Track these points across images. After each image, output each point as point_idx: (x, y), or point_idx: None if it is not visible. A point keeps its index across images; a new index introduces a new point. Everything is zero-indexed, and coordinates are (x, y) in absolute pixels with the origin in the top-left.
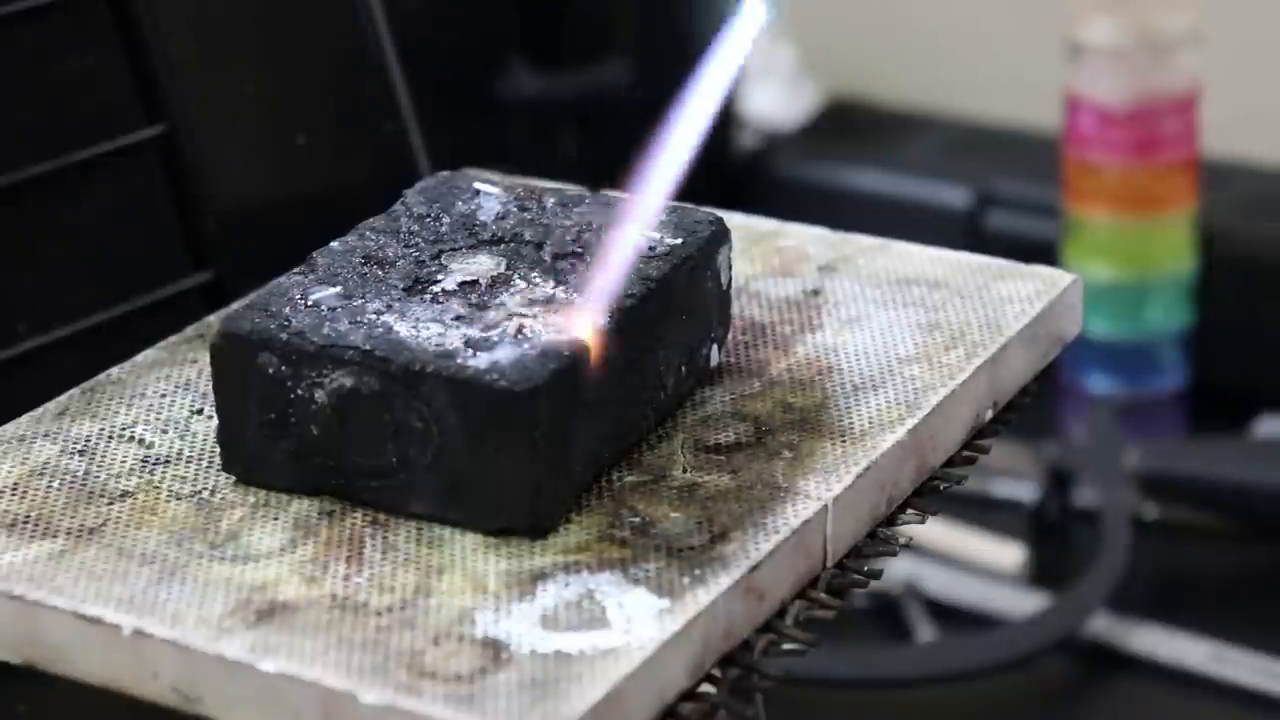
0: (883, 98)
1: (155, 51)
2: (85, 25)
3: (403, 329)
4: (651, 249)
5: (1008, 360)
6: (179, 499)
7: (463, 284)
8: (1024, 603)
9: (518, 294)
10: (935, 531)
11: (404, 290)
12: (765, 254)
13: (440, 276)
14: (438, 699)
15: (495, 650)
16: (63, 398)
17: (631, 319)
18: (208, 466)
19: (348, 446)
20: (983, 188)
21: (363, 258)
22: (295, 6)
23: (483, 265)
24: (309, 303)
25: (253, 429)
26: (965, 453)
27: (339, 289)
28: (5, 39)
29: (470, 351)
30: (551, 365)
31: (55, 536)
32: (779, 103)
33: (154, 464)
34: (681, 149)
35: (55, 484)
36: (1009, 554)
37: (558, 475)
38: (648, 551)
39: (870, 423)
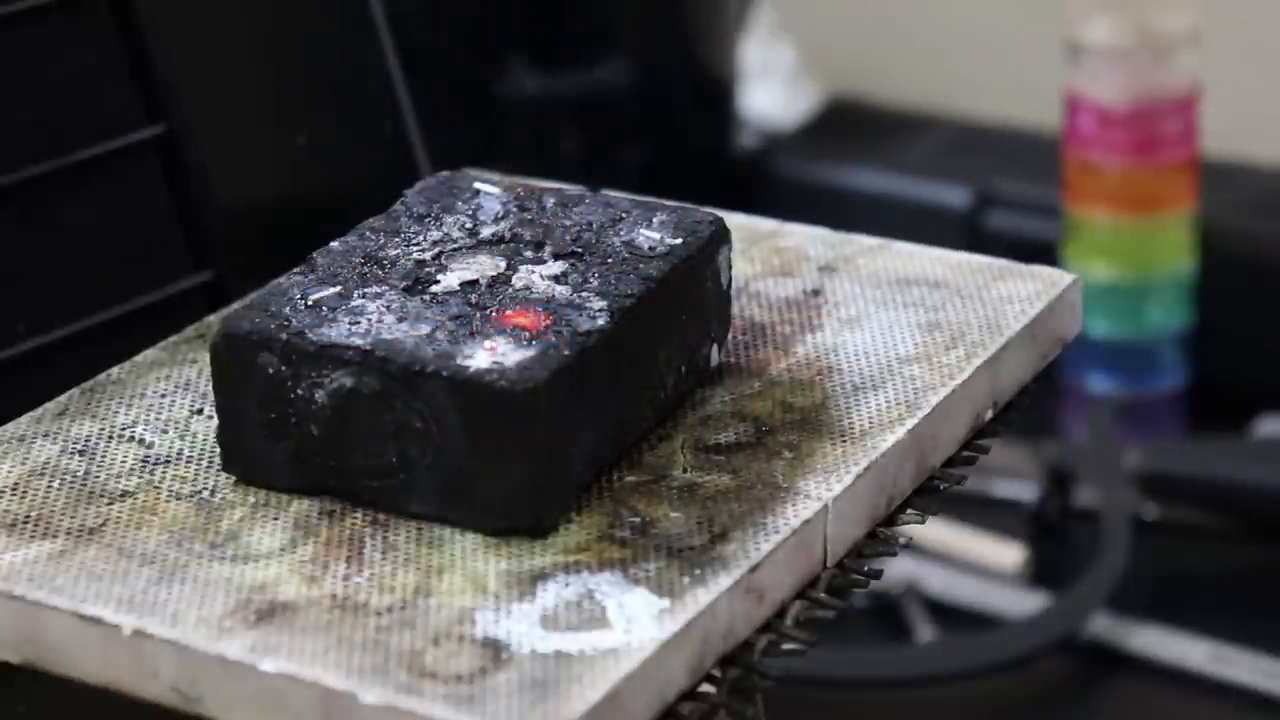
0: (883, 98)
1: (155, 51)
2: (85, 25)
3: (403, 329)
4: (651, 249)
5: (1008, 360)
6: (179, 499)
7: (463, 284)
8: (1024, 603)
9: (518, 294)
10: (935, 531)
11: (404, 290)
12: (765, 254)
13: (440, 276)
14: (438, 699)
15: (495, 650)
16: (63, 398)
17: (631, 319)
18: (208, 466)
19: (348, 446)
20: (983, 188)
21: (363, 258)
22: (295, 7)
23: (483, 265)
24: (309, 303)
25: (253, 429)
26: (965, 453)
27: (339, 289)
28: (5, 39)
29: (470, 351)
30: (551, 365)
31: (55, 536)
32: (779, 103)
33: (154, 464)
34: None
35: (55, 484)
36: (1009, 554)
37: (558, 475)
38: (648, 551)
39: (870, 423)
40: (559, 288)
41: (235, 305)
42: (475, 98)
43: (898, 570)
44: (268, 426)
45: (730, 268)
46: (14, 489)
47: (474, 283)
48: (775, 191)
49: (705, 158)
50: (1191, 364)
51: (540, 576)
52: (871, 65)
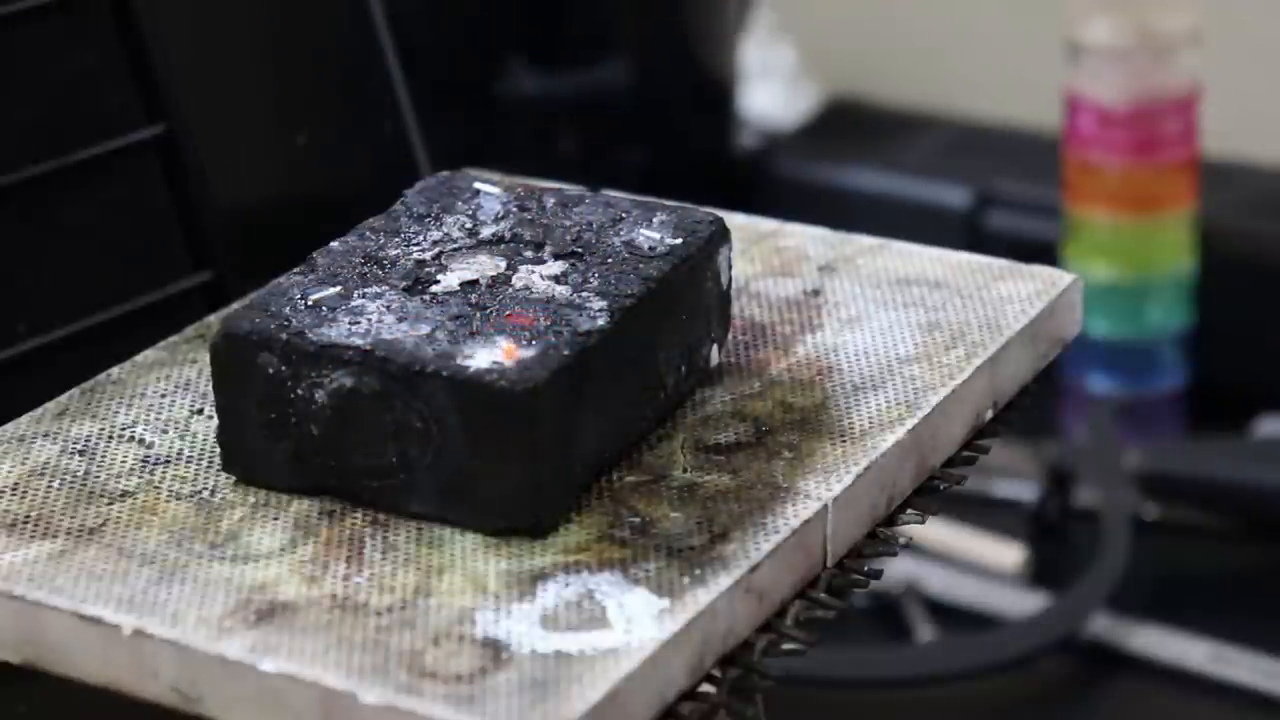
0: (883, 98)
1: (155, 51)
2: (85, 25)
3: (403, 329)
4: (651, 249)
5: (1008, 360)
6: (179, 499)
7: (463, 284)
8: (1024, 603)
9: (518, 294)
10: (935, 531)
11: (404, 290)
12: (765, 254)
13: (440, 276)
14: (438, 699)
15: (495, 650)
16: (63, 398)
17: (631, 319)
18: (208, 466)
19: (348, 446)
20: (983, 188)
21: (363, 258)
22: (295, 7)
23: (483, 265)
24: (309, 303)
25: (253, 429)
26: (965, 453)
27: (339, 289)
28: (5, 39)
29: (470, 351)
30: (551, 365)
31: (55, 536)
32: (779, 103)
33: (154, 464)
34: None
35: (55, 484)
36: (1009, 554)
37: (558, 475)
38: (648, 551)
39: (870, 423)
40: (559, 288)
41: (235, 305)
42: (475, 98)
43: (898, 570)
44: (268, 426)
45: (730, 268)
46: (14, 489)
47: (474, 283)
48: (775, 191)
49: (705, 158)
50: (1191, 364)
51: (540, 576)
52: (871, 65)
